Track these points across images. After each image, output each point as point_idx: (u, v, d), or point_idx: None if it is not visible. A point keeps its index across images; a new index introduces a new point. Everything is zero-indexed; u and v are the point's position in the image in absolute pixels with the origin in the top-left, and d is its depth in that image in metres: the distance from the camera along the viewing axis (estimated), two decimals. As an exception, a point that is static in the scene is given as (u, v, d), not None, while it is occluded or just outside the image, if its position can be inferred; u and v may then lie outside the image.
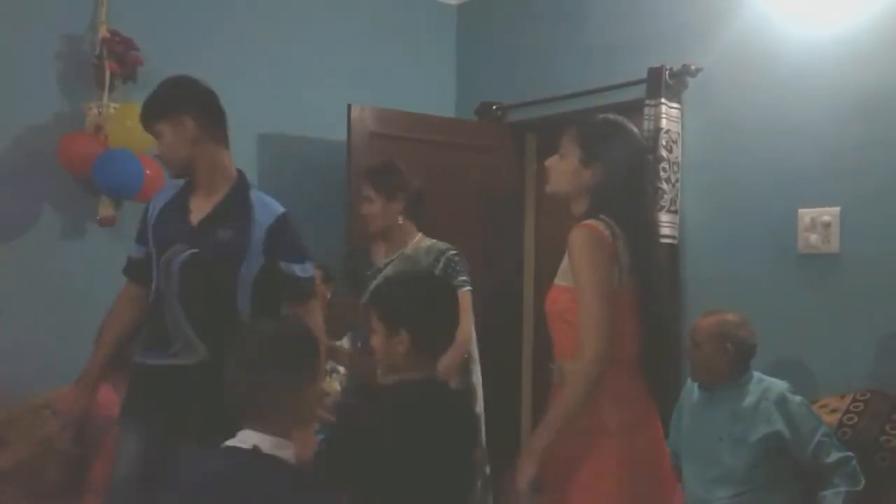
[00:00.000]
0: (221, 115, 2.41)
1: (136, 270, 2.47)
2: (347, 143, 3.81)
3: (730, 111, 3.36)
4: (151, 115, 2.34)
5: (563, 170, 2.11)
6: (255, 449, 1.63)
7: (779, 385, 2.69)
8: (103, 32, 3.34)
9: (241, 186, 2.39)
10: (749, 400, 2.66)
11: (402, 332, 1.92)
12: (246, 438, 1.66)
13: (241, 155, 3.74)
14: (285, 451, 1.66)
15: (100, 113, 3.31)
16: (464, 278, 2.90)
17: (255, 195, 2.40)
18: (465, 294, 2.85)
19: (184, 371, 2.26)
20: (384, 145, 3.80)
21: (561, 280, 2.08)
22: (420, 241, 2.98)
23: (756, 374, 2.73)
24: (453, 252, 2.93)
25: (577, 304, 1.97)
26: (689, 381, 2.88)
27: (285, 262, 2.35)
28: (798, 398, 2.66)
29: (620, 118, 2.15)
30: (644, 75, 3.48)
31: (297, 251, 2.39)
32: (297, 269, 2.38)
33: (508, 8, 4.33)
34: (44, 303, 3.20)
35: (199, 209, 2.34)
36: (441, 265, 2.88)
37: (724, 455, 2.66)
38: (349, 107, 3.82)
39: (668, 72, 3.41)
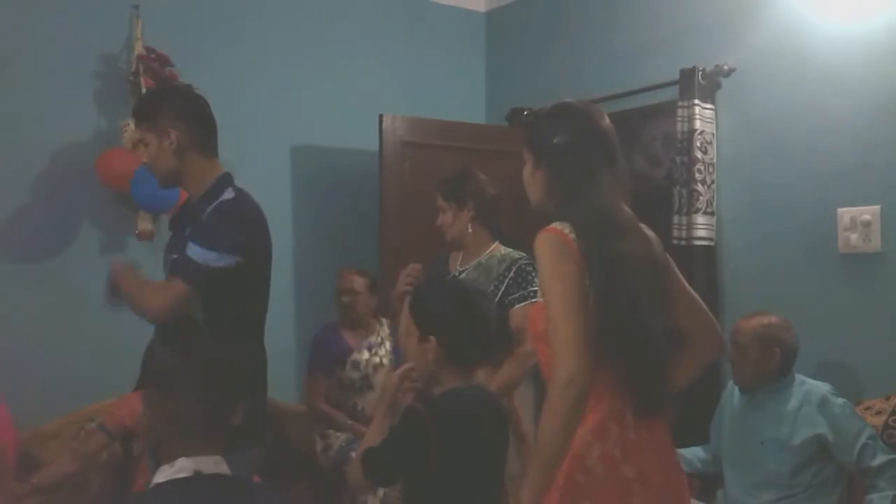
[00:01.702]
0: (210, 127, 2.34)
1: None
2: (380, 153, 3.82)
3: (765, 110, 3.32)
4: (138, 123, 2.35)
5: (526, 178, 1.91)
6: (197, 474, 1.59)
7: (821, 387, 2.65)
8: (139, 50, 3.40)
9: (214, 188, 2.28)
10: (791, 403, 2.63)
11: (431, 339, 1.91)
12: (185, 466, 1.60)
13: (275, 167, 3.84)
14: (221, 466, 1.64)
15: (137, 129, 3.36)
16: (534, 289, 2.75)
17: (224, 191, 2.27)
18: (524, 308, 2.71)
19: None
20: (416, 154, 3.82)
21: (540, 296, 1.92)
22: (496, 250, 2.87)
23: (798, 377, 2.69)
24: (526, 262, 2.79)
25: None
26: (729, 383, 2.85)
27: (186, 243, 2.20)
28: (841, 400, 2.62)
29: (567, 102, 1.92)
30: (676, 76, 3.45)
31: (202, 234, 2.17)
32: (189, 250, 2.17)
33: (537, 13, 4.33)
34: (84, 317, 3.26)
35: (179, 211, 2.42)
36: (512, 274, 2.77)
37: (766, 459, 2.62)
38: (380, 116, 3.84)
39: (700, 72, 3.39)
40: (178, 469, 1.59)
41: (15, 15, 3.27)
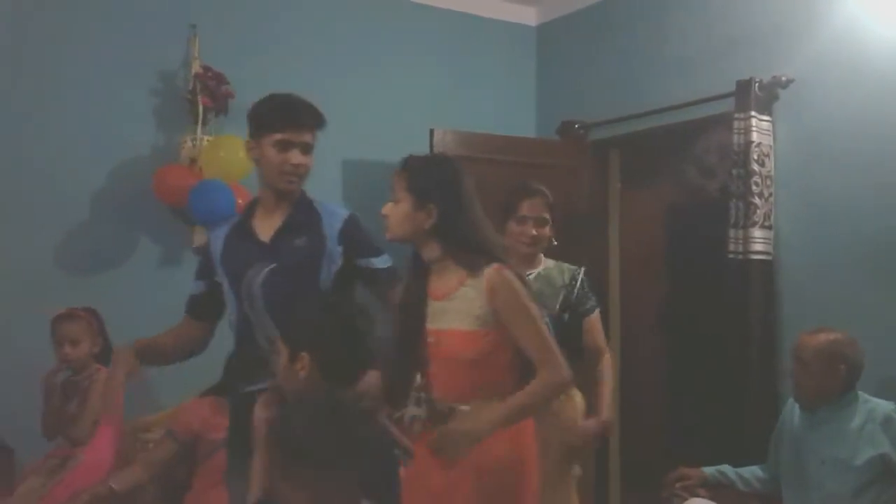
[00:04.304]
0: None
1: (196, 306, 2.50)
2: (430, 167, 3.83)
3: (824, 121, 3.24)
4: (308, 124, 2.37)
5: (399, 215, 2.07)
6: None
7: (885, 406, 2.57)
8: (196, 68, 3.48)
9: (304, 199, 2.41)
10: (854, 422, 2.55)
11: (303, 356, 1.87)
12: None
13: (326, 180, 3.87)
14: None
15: (194, 146, 3.44)
16: (594, 300, 2.95)
17: (319, 205, 2.42)
18: (597, 317, 2.96)
19: None
20: (467, 168, 3.73)
21: (471, 325, 2.00)
22: (548, 261, 2.95)
23: (861, 395, 2.62)
24: (584, 273, 2.95)
25: (501, 346, 1.99)
26: (789, 401, 2.77)
27: (363, 259, 2.37)
28: (906, 419, 2.53)
29: (440, 154, 2.25)
30: (731, 88, 3.40)
31: (371, 246, 2.40)
32: (376, 262, 2.39)
33: (588, 25, 4.31)
34: (142, 330, 3.32)
35: (267, 227, 2.36)
36: (578, 284, 2.89)
37: (827, 479, 2.55)
38: (431, 131, 3.86)
39: (757, 84, 3.33)
40: None
41: (75, 35, 3.38)
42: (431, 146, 3.84)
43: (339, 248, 2.34)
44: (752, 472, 2.87)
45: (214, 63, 3.51)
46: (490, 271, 2.00)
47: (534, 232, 2.85)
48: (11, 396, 3.04)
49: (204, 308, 2.47)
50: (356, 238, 2.38)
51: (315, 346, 1.89)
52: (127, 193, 3.45)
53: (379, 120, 4.02)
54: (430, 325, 2.07)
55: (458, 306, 2.03)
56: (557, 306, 2.82)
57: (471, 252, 2.04)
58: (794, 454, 2.69)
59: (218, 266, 2.39)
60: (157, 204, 3.44)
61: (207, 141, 3.44)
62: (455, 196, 2.06)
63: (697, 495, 2.73)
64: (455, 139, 3.90)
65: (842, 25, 3.18)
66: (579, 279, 2.90)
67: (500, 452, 2.00)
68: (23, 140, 3.28)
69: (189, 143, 3.45)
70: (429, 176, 2.08)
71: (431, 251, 2.08)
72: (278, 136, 2.30)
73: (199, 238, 3.48)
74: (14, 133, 3.26)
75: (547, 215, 2.88)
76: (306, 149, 2.34)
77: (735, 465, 2.86)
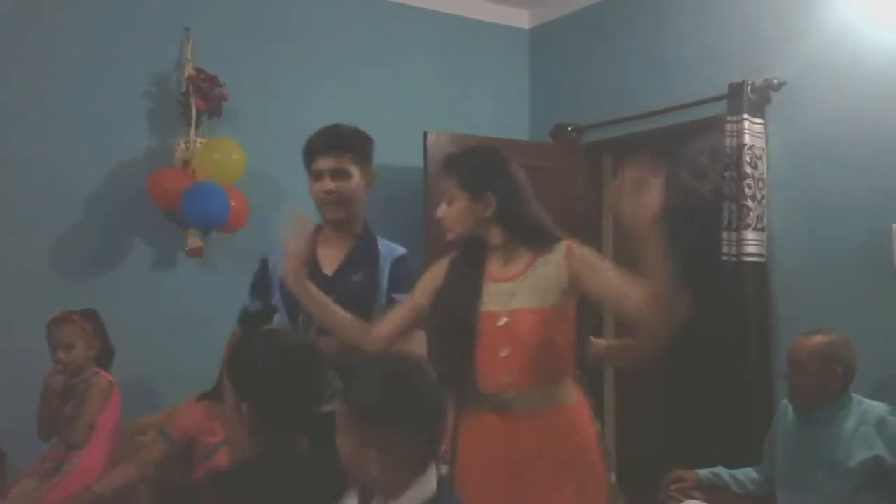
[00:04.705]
0: None
1: (249, 322, 2.51)
2: (424, 170, 3.84)
3: (816, 124, 3.26)
4: (334, 149, 2.41)
5: (457, 213, 2.08)
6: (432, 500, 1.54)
7: (879, 408, 2.58)
8: (189, 71, 3.47)
9: (367, 233, 2.47)
10: (848, 423, 2.56)
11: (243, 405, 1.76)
12: (415, 496, 1.54)
13: (322, 184, 3.86)
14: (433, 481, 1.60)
15: (187, 148, 3.43)
16: None
17: (381, 241, 2.47)
18: None
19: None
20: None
21: (544, 303, 2.00)
22: None
23: (855, 397, 2.62)
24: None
25: (570, 324, 2.03)
26: (783, 402, 2.78)
27: (398, 294, 2.36)
28: (900, 421, 2.54)
29: (481, 146, 2.22)
30: (724, 90, 3.41)
31: (411, 285, 2.34)
32: (398, 298, 2.36)
33: (581, 28, 4.32)
34: (136, 332, 3.32)
35: (331, 259, 2.39)
36: None
37: (822, 481, 2.55)
38: (425, 134, 3.86)
39: (749, 87, 3.34)
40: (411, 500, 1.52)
41: (68, 37, 3.37)
42: (425, 148, 3.84)
43: (387, 285, 2.37)
44: (747, 473, 2.88)
45: (208, 65, 3.51)
46: (564, 243, 2.06)
47: None
48: (5, 400, 3.02)
49: (257, 324, 2.47)
50: (400, 275, 2.40)
51: (253, 391, 1.78)
52: (121, 196, 3.44)
53: (373, 123, 3.97)
54: (497, 308, 2.03)
55: (530, 285, 2.02)
56: None
57: (535, 231, 2.06)
58: (788, 456, 2.69)
59: (277, 291, 2.40)
60: (152, 206, 3.43)
61: (201, 143, 3.43)
62: (509, 180, 2.07)
63: (692, 497, 2.73)
64: (448, 141, 3.90)
65: (834, 29, 3.20)
66: None
67: (566, 443, 2.01)
68: (17, 142, 3.26)
69: (182, 146, 3.44)
70: (479, 167, 2.09)
71: (495, 237, 2.08)
72: (311, 167, 2.40)
73: (194, 241, 3.48)
74: (8, 135, 3.25)
75: None
76: (337, 174, 2.37)
77: (730, 466, 2.87)
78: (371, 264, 2.38)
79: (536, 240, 2.06)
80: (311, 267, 2.34)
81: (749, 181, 3.30)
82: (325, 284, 2.30)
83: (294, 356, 1.85)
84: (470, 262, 2.11)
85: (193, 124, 3.43)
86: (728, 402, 3.32)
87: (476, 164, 2.09)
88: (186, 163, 3.42)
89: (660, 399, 4.43)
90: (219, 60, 3.54)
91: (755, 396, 3.26)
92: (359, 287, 2.33)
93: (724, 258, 3.33)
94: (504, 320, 2.01)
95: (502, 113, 4.45)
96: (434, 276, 2.17)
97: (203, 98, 3.46)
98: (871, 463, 2.49)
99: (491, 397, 2.01)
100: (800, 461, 2.63)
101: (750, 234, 3.30)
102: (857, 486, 2.50)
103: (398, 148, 4.00)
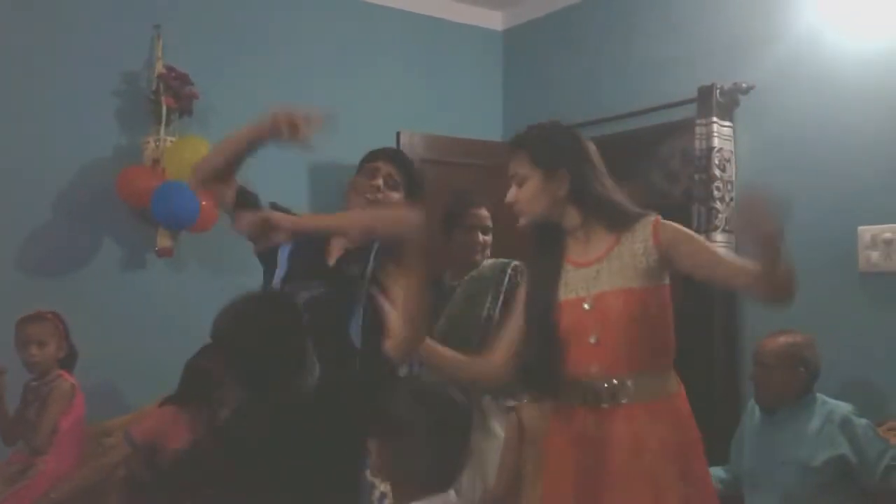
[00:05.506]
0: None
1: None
2: (397, 170, 3.83)
3: (784, 128, 3.30)
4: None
5: (530, 194, 1.96)
6: None
7: (843, 407, 2.62)
8: (159, 68, 3.44)
9: None
10: (813, 423, 2.60)
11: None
12: None
13: (293, 184, 3.85)
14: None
15: (157, 146, 3.40)
16: None
17: None
18: None
19: None
20: (433, 171, 3.82)
21: (633, 282, 1.89)
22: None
23: (819, 397, 2.66)
24: (517, 263, 2.85)
25: (665, 303, 1.92)
26: (750, 402, 2.82)
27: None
28: (863, 421, 2.58)
29: (549, 121, 2.10)
30: (694, 94, 3.45)
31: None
32: None
33: (554, 31, 4.34)
34: (104, 332, 3.28)
35: (336, 249, 2.41)
36: (507, 278, 2.84)
37: (787, 480, 2.59)
38: (398, 133, 3.86)
39: (718, 90, 3.38)
40: None
41: (37, 34, 3.32)
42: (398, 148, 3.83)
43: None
44: (715, 473, 2.90)
45: (178, 63, 3.48)
46: (651, 218, 1.94)
47: (482, 239, 2.91)
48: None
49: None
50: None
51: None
52: (89, 194, 3.40)
53: (346, 123, 3.99)
54: (581, 294, 1.92)
55: (615, 266, 1.91)
56: (487, 302, 2.82)
57: (613, 208, 1.94)
58: (754, 455, 2.73)
59: (280, 253, 2.40)
60: (121, 205, 3.40)
61: (171, 142, 3.41)
62: (583, 155, 1.97)
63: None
64: (422, 142, 3.90)
65: (802, 35, 3.24)
66: (508, 272, 2.85)
67: (665, 433, 1.92)
68: (-18, 140, 3.22)
69: (152, 144, 3.41)
70: (552, 143, 1.98)
71: (572, 218, 1.96)
72: (368, 164, 2.66)
73: (163, 240, 3.44)
74: (-27, 133, 3.20)
75: (490, 223, 2.94)
76: (389, 180, 2.58)
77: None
78: (364, 258, 2.39)
79: (617, 217, 1.94)
80: (318, 253, 2.39)
81: (718, 183, 3.34)
82: (327, 275, 2.35)
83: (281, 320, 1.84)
84: (547, 249, 2.00)
85: (164, 123, 3.40)
86: (696, 402, 3.34)
87: (549, 140, 1.98)
88: (156, 161, 3.39)
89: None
90: (189, 59, 3.51)
91: (723, 397, 3.30)
92: (353, 283, 2.34)
93: (694, 260, 3.36)
94: (589, 305, 1.91)
95: (475, 113, 4.46)
96: None
97: (174, 96, 3.43)
98: (835, 462, 2.53)
99: (582, 388, 1.91)
100: (765, 461, 2.67)
101: (719, 236, 3.33)
102: (822, 486, 2.54)
103: (371, 147, 3.99)
